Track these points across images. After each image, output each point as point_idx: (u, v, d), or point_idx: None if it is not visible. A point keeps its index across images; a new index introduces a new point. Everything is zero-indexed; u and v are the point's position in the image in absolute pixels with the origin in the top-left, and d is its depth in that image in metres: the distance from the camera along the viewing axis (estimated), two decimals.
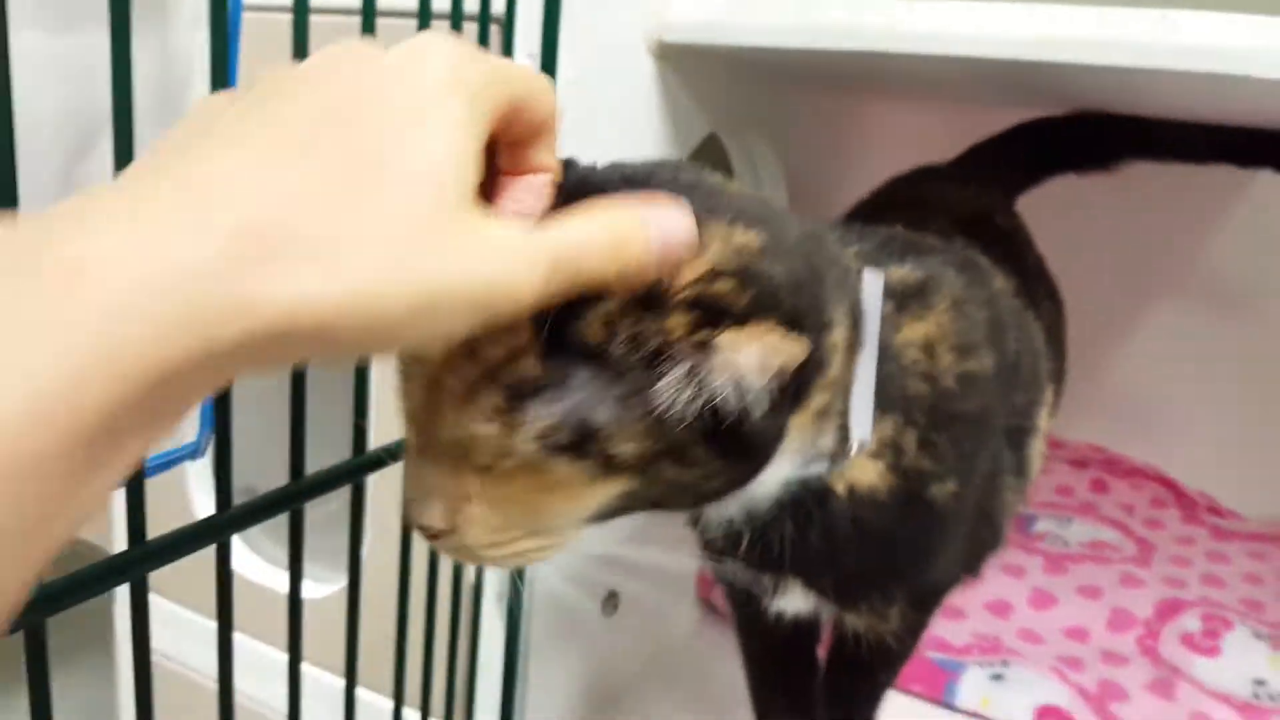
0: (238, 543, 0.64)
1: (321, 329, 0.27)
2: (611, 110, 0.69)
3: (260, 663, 0.65)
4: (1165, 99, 0.72)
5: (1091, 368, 1.29)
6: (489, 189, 0.36)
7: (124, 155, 0.38)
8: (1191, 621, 0.96)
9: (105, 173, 0.36)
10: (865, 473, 0.48)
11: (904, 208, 0.78)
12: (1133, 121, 0.91)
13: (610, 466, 0.37)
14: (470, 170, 0.31)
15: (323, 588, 0.76)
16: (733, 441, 0.38)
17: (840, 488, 0.48)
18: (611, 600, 0.78)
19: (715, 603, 0.97)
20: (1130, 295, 1.28)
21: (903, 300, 0.50)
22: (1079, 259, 1.25)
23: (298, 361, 0.29)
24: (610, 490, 0.38)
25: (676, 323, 0.35)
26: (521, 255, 0.31)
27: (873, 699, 0.69)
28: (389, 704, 0.62)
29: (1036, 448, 0.63)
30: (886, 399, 0.47)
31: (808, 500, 0.47)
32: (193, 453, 0.51)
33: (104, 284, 0.24)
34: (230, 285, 0.25)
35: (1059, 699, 0.83)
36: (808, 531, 0.48)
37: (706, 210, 0.38)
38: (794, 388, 0.39)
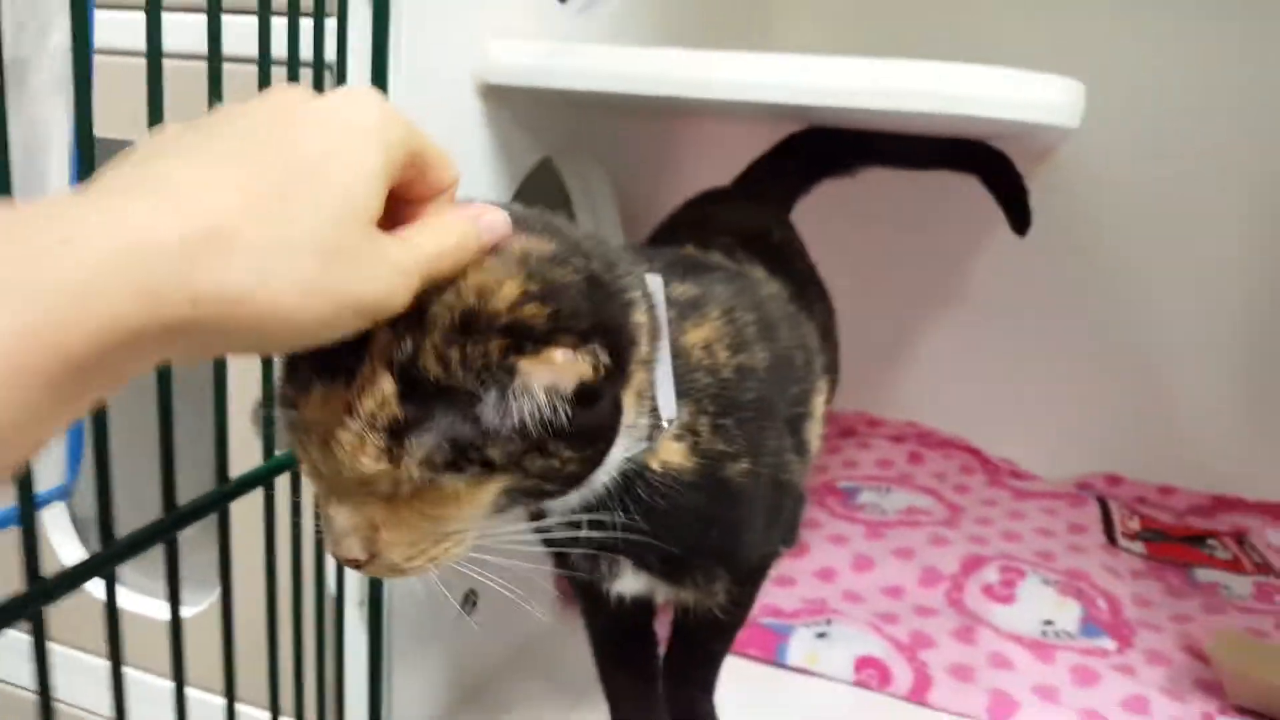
0: None
1: (255, 323, 0.33)
2: (442, 145, 0.72)
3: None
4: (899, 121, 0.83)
5: (906, 357, 1.41)
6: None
7: None
8: (991, 574, 1.05)
9: None
10: (673, 454, 0.55)
11: (693, 228, 0.85)
12: (866, 136, 1.02)
13: (487, 470, 0.44)
14: (379, 200, 0.38)
15: (183, 609, 0.77)
16: (578, 431, 0.45)
17: (656, 465, 0.55)
18: (470, 599, 0.82)
19: (568, 594, 1.01)
20: (934, 299, 1.40)
21: (683, 310, 0.58)
22: (893, 273, 1.38)
23: (225, 349, 0.35)
24: (493, 488, 0.45)
25: (492, 347, 0.42)
26: (404, 272, 0.39)
27: (710, 667, 0.76)
28: (264, 715, 0.64)
29: (814, 430, 0.71)
30: (681, 390, 0.55)
31: (633, 482, 0.54)
32: (62, 493, 0.53)
33: (87, 252, 0.29)
34: (184, 272, 0.31)
35: (875, 650, 0.91)
36: (633, 512, 0.55)
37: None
38: (616, 367, 0.46)
